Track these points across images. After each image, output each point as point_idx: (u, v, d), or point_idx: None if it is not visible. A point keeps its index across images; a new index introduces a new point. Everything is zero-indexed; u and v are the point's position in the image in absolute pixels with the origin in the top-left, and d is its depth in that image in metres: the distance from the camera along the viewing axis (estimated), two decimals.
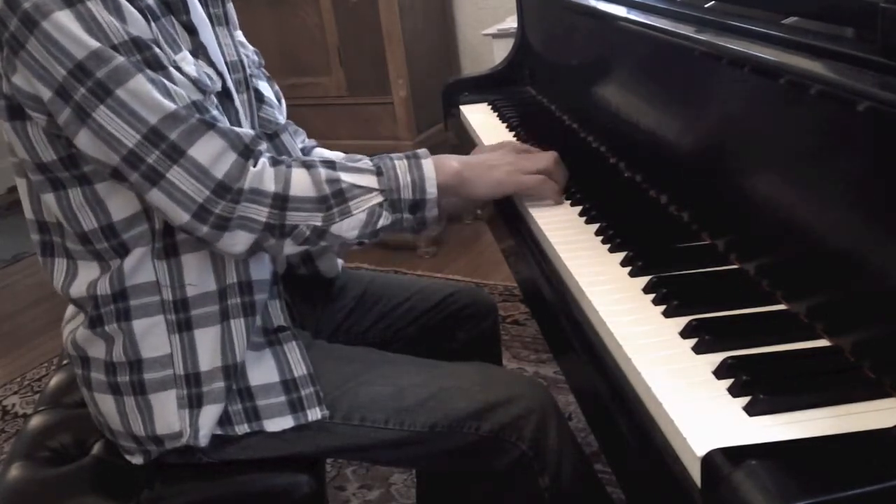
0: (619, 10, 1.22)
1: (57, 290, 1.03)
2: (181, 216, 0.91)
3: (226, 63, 1.05)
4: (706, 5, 1.06)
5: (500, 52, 2.21)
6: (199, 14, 1.01)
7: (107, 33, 0.87)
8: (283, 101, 1.29)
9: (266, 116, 1.19)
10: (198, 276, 0.98)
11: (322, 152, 1.32)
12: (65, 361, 1.30)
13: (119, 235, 0.97)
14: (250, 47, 1.23)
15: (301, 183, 0.95)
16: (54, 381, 1.26)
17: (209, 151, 0.90)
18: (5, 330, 2.76)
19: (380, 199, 0.98)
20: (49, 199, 0.98)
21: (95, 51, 0.86)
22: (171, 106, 0.88)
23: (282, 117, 1.23)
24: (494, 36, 2.62)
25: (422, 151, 1.03)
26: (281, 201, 0.94)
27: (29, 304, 2.91)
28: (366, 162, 1.01)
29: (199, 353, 0.98)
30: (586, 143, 1.42)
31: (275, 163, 0.95)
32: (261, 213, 0.93)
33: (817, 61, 0.78)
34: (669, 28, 1.05)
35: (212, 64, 1.00)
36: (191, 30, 0.99)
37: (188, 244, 0.97)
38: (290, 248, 0.97)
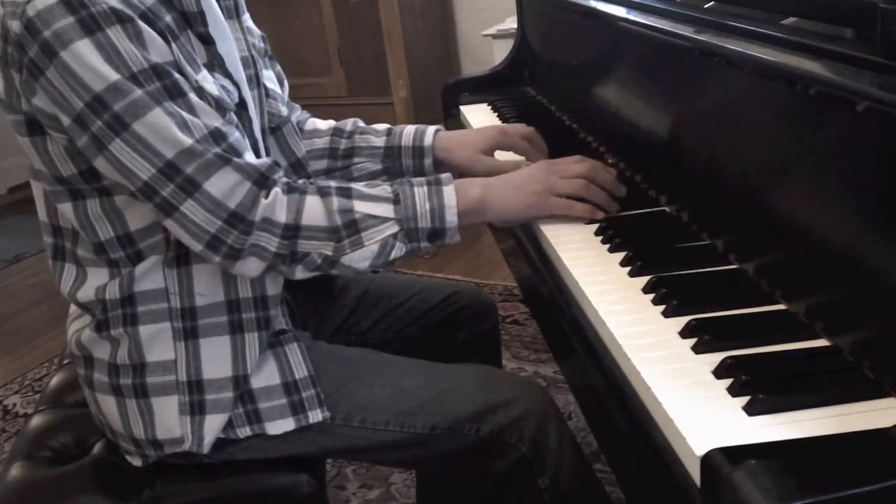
0: (619, 11, 1.22)
1: (63, 293, 1.03)
2: (195, 245, 0.93)
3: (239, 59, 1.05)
4: (705, 6, 1.06)
5: (500, 52, 2.21)
6: (216, 19, 1.01)
7: (127, 63, 0.86)
8: (285, 83, 1.29)
9: (270, 110, 1.19)
10: (207, 287, 0.98)
11: (315, 122, 1.32)
12: (66, 361, 1.30)
13: (136, 244, 0.98)
14: (256, 32, 1.22)
15: (313, 212, 0.95)
16: (55, 380, 1.26)
17: (224, 185, 0.91)
18: (6, 330, 2.76)
19: (395, 229, 0.97)
20: (66, 208, 0.98)
21: (114, 83, 0.86)
22: (187, 141, 0.88)
23: (285, 108, 1.23)
24: (494, 36, 2.62)
25: (445, 177, 1.01)
26: (292, 231, 0.94)
27: (30, 304, 2.91)
28: (384, 189, 0.99)
29: (204, 362, 0.98)
30: (586, 143, 1.42)
31: (289, 190, 0.95)
32: (271, 243, 0.94)
33: (817, 61, 0.78)
34: (669, 28, 1.05)
35: (228, 75, 1.00)
36: (207, 41, 0.98)
37: (200, 256, 0.97)
38: (301, 273, 0.97)
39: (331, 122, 1.32)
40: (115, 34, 0.86)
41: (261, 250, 0.94)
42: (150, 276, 0.98)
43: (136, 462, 1.03)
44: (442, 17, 3.10)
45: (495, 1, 2.97)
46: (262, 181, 0.93)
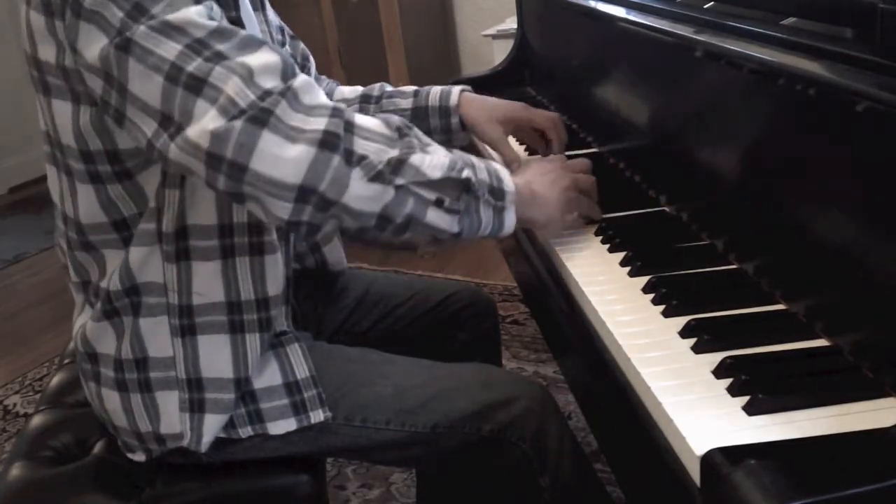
0: (619, 11, 1.23)
1: (75, 282, 1.02)
2: (216, 120, 0.79)
3: None
4: (705, 6, 1.06)
5: (500, 52, 2.21)
6: (247, 9, 1.00)
7: None
8: (311, 59, 1.30)
9: None
10: (206, 286, 0.97)
11: (343, 91, 1.31)
12: (66, 361, 1.30)
13: (130, 228, 0.96)
14: (275, 23, 1.23)
15: (367, 120, 0.86)
16: (56, 380, 1.26)
17: (260, 60, 0.81)
18: (7, 329, 2.76)
19: (457, 158, 0.90)
20: (87, 190, 0.95)
21: None
22: (219, 24, 0.83)
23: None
24: (494, 37, 2.62)
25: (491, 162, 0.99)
26: (345, 123, 0.82)
27: (30, 303, 2.91)
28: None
29: (202, 359, 0.98)
30: (585, 143, 1.42)
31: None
32: (317, 123, 0.80)
33: (816, 62, 0.79)
34: (669, 29, 1.05)
35: None
36: (238, 26, 0.95)
37: (200, 252, 0.97)
38: (358, 184, 0.81)
39: (357, 89, 1.31)
40: None
41: (298, 133, 0.79)
42: (149, 267, 0.97)
43: (139, 457, 1.03)
44: (442, 17, 3.10)
45: (495, 1, 2.97)
46: (294, 76, 0.84)
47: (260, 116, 0.79)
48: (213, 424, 0.99)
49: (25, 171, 3.94)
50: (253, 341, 0.99)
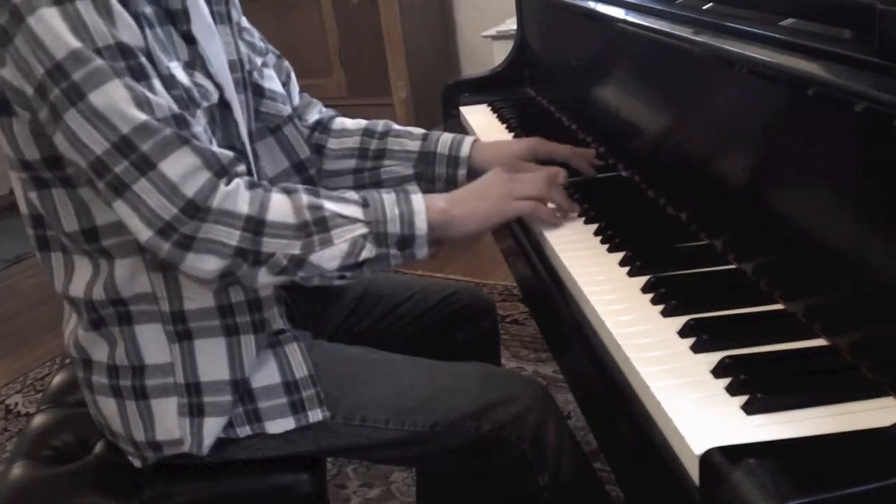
0: (618, 12, 1.23)
1: (57, 290, 1.03)
2: (144, 232, 0.88)
3: (226, 63, 1.05)
4: (704, 7, 1.06)
5: (500, 53, 2.21)
6: (203, 21, 1.00)
7: (92, 35, 0.85)
8: (292, 76, 1.28)
9: (266, 110, 1.19)
10: (195, 292, 0.97)
11: (344, 121, 1.30)
12: (67, 361, 1.30)
13: (100, 241, 0.96)
14: (256, 33, 1.22)
15: (280, 208, 0.91)
16: (57, 380, 1.27)
17: (181, 167, 0.87)
18: (8, 329, 2.77)
19: (364, 230, 0.94)
20: (33, 196, 0.97)
21: (75, 51, 0.84)
22: (142, 116, 0.85)
23: (286, 107, 1.22)
24: (494, 38, 2.62)
25: (411, 187, 1.00)
26: (255, 225, 0.90)
27: (32, 303, 2.91)
28: (351, 194, 0.97)
29: (200, 364, 0.98)
30: (585, 143, 1.42)
31: (252, 186, 0.92)
32: (231, 237, 0.89)
33: (815, 62, 0.79)
34: (667, 30, 1.05)
35: (210, 76, 0.98)
36: (190, 40, 0.97)
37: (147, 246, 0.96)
38: (264, 278, 0.92)
39: (361, 122, 1.30)
40: (84, 6, 0.84)
41: (219, 245, 0.89)
42: (136, 279, 0.96)
43: (136, 463, 1.03)
44: (442, 18, 3.10)
45: (495, 2, 2.97)
46: (222, 171, 0.89)
47: (184, 242, 0.88)
48: (213, 427, 0.99)
49: None
50: (248, 343, 0.99)
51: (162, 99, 0.88)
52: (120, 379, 1.00)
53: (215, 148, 0.91)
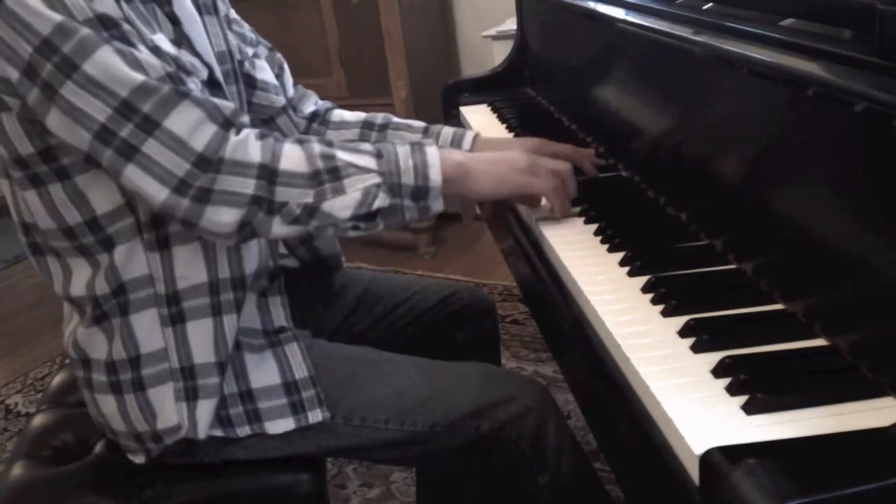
0: (618, 12, 1.23)
1: (57, 292, 1.03)
2: (159, 192, 0.88)
3: (214, 54, 1.04)
4: (704, 7, 1.07)
5: (500, 53, 2.21)
6: (184, 7, 1.00)
7: (70, 11, 0.84)
8: (285, 67, 1.28)
9: (259, 101, 1.19)
10: (189, 268, 0.97)
11: (342, 114, 1.30)
12: (67, 361, 1.30)
13: (104, 229, 0.96)
14: (245, 25, 1.22)
15: (292, 157, 0.91)
16: (57, 380, 1.27)
17: (185, 122, 0.87)
18: (8, 329, 2.77)
19: (377, 180, 0.93)
20: (31, 196, 0.96)
21: (59, 24, 0.84)
22: (139, 77, 0.86)
23: (279, 97, 1.22)
24: (494, 38, 2.62)
25: (427, 141, 1.00)
26: (269, 174, 0.90)
27: (32, 303, 2.91)
28: (365, 145, 0.97)
29: (192, 346, 0.98)
30: (585, 143, 1.42)
31: (262, 136, 0.92)
32: (247, 186, 0.89)
33: (815, 62, 0.79)
34: (667, 30, 1.05)
35: (197, 55, 0.98)
36: (174, 20, 0.97)
37: (179, 236, 0.97)
38: (279, 227, 0.92)
39: (360, 114, 1.30)
40: None
41: (235, 196, 0.89)
42: (134, 262, 0.97)
43: (139, 459, 1.03)
44: (442, 18, 3.10)
45: (495, 2, 2.97)
46: (226, 122, 0.89)
47: (201, 196, 0.88)
48: (205, 409, 0.99)
49: None
50: (230, 322, 0.99)
51: (153, 59, 0.88)
52: (119, 374, 1.00)
53: (216, 99, 0.91)
